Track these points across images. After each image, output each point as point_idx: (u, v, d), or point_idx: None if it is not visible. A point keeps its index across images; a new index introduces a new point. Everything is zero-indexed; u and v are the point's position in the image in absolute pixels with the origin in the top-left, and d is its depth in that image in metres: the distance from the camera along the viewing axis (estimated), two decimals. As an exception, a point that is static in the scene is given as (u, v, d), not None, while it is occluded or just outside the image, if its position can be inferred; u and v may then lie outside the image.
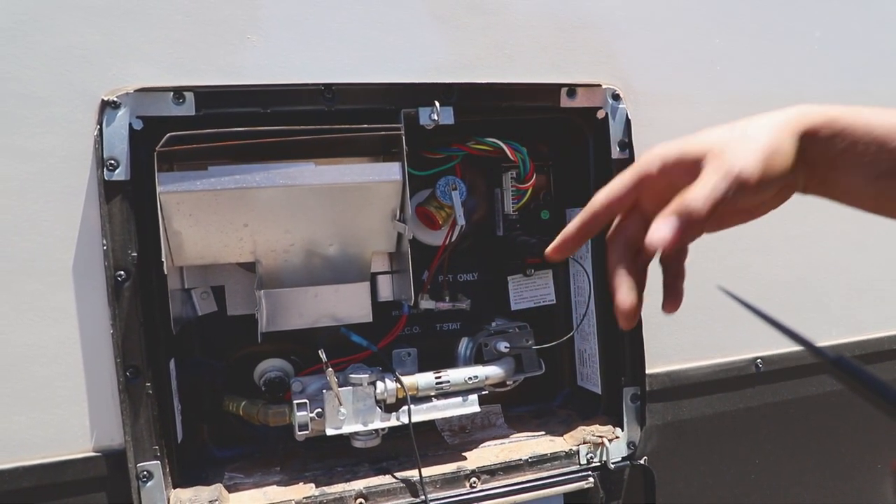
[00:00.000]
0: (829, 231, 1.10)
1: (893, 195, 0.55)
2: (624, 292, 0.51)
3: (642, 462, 0.96)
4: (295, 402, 0.83)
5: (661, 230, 0.47)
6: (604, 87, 0.92)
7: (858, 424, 1.13)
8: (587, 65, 0.93)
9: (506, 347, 0.96)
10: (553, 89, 0.90)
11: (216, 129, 0.74)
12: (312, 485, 0.84)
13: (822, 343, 1.08)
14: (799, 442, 1.09)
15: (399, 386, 0.87)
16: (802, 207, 1.07)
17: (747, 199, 0.51)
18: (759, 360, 1.05)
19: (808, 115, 0.55)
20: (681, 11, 0.98)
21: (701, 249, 1.01)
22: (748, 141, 0.52)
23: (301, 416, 0.83)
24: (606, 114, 0.92)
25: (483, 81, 0.87)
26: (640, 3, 0.95)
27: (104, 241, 0.74)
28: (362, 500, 0.83)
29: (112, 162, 0.74)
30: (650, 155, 0.52)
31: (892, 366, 1.13)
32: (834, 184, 0.58)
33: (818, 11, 1.07)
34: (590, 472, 0.93)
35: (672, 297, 0.56)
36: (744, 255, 1.04)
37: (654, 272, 1.07)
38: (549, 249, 0.56)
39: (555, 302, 1.06)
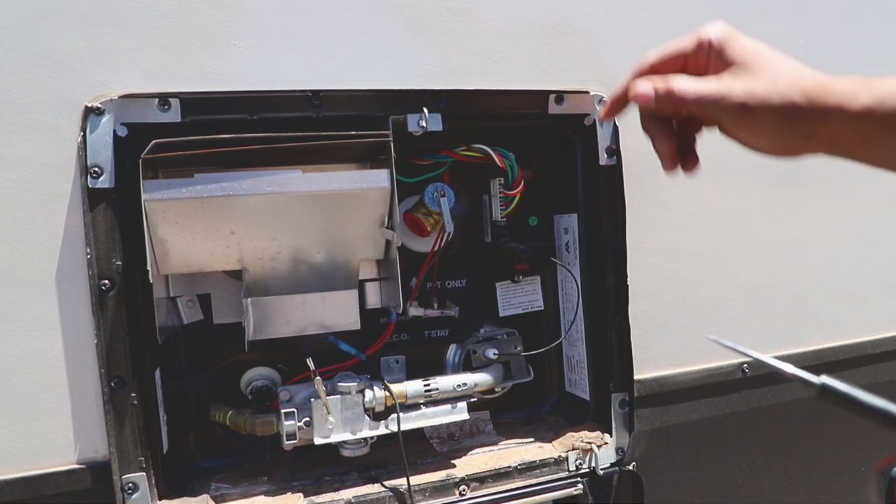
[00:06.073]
0: (814, 237, 1.11)
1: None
2: (662, 142, 0.60)
3: (631, 468, 0.96)
4: (283, 411, 0.82)
5: (639, 86, 0.57)
6: (591, 93, 0.92)
7: (842, 428, 1.14)
8: (574, 71, 0.93)
9: (494, 354, 0.95)
10: (541, 96, 0.90)
11: (202, 136, 0.73)
12: (301, 494, 0.83)
13: (807, 348, 1.10)
14: (784, 446, 1.10)
15: (388, 394, 0.86)
16: (787, 214, 1.09)
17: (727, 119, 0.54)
18: (745, 366, 1.05)
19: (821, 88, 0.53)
20: (665, 18, 0.99)
21: (690, 256, 1.02)
22: (769, 90, 0.53)
23: (289, 425, 0.82)
24: (594, 120, 0.93)
25: (471, 88, 0.87)
26: (626, 10, 0.96)
27: (88, 250, 0.73)
28: (351, 510, 0.82)
29: (96, 169, 0.72)
30: (704, 31, 0.56)
31: (875, 369, 1.15)
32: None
33: (802, 20, 1.08)
34: (579, 479, 0.93)
35: (685, 161, 0.61)
36: (731, 262, 1.05)
37: (645, 276, 1.06)
38: (601, 113, 0.65)
39: (543, 308, 1.06)
